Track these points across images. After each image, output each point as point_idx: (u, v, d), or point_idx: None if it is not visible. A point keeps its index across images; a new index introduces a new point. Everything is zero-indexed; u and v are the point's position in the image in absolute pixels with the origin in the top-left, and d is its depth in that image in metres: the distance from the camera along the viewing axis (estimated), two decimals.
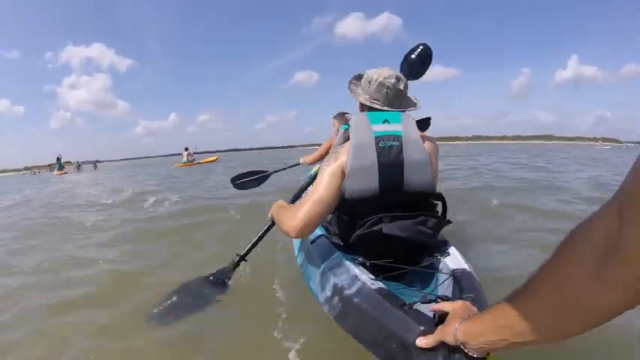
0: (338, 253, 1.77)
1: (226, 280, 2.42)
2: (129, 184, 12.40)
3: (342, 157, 1.67)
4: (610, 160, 17.70)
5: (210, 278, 2.43)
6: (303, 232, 1.70)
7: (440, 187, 1.84)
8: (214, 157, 27.30)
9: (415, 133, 1.71)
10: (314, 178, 1.90)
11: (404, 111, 1.85)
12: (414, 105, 1.94)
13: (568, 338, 0.66)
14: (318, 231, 2.10)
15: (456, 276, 1.55)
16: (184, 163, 22.56)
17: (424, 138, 1.77)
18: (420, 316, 1.17)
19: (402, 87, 1.85)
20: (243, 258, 2.44)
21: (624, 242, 0.51)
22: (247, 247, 2.44)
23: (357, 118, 1.76)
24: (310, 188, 1.79)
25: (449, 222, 1.80)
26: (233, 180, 3.81)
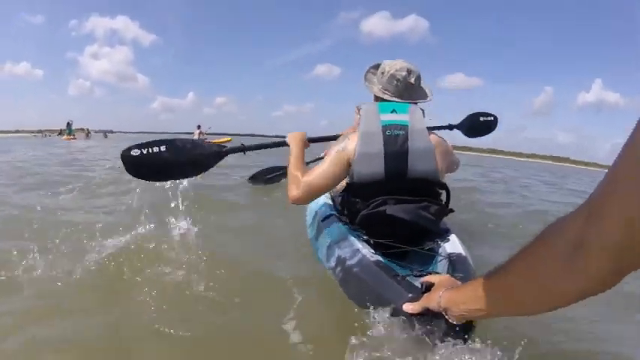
0: (344, 229, 1.99)
1: (220, 157, 2.31)
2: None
3: (351, 144, 1.87)
4: None
5: (214, 149, 2.32)
6: (301, 202, 1.94)
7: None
8: (228, 138, 23.95)
9: (421, 124, 1.89)
10: None
11: (415, 103, 2.03)
12: (425, 97, 2.10)
13: (533, 315, 0.83)
14: (329, 210, 2.35)
15: (452, 259, 1.73)
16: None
17: (432, 134, 1.98)
18: (410, 286, 1.37)
19: (412, 80, 2.01)
20: (244, 149, 2.45)
21: (588, 239, 0.62)
22: (254, 145, 2.56)
23: (367, 108, 1.97)
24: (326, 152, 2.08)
25: (451, 210, 1.97)
26: (252, 179, 4.03)
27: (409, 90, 2.02)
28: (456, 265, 1.70)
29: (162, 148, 2.16)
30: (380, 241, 1.86)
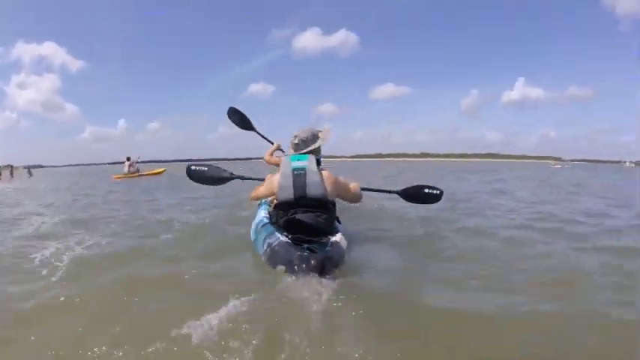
0: (273, 229, 3.33)
1: (227, 180, 4.34)
2: (45, 206, 9.46)
3: (275, 179, 3.37)
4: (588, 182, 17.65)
5: (224, 174, 4.34)
6: (253, 199, 3.96)
7: None
8: (162, 169, 23.20)
9: (314, 166, 3.29)
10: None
11: (310, 152, 3.52)
12: (312, 149, 3.58)
13: None
14: (265, 220, 3.63)
15: (333, 246, 3.10)
16: (125, 174, 20.30)
17: (324, 170, 3.37)
18: (303, 256, 2.78)
19: (296, 142, 3.57)
20: (232, 178, 4.29)
21: None
22: (240, 175, 4.35)
23: (284, 159, 3.53)
24: (264, 184, 3.63)
25: (337, 218, 3.67)
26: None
27: (300, 147, 3.57)
28: (333, 247, 3.10)
29: (205, 168, 4.37)
30: (295, 235, 3.10)
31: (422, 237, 4.85)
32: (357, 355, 1.85)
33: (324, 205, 3.31)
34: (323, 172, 3.34)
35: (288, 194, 3.28)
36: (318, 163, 3.45)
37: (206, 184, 4.52)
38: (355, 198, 3.77)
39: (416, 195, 4.41)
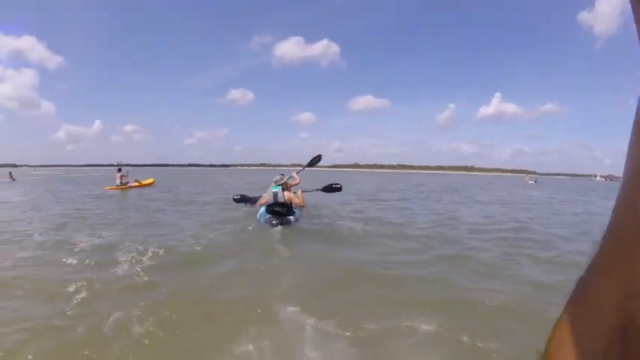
0: (264, 212, 8.66)
1: (242, 203, 11.01)
2: (63, 218, 10.52)
3: (266, 196, 8.81)
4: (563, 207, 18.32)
5: (237, 197, 11.20)
6: (258, 205, 9.18)
7: None
8: (151, 180, 24.38)
9: (280, 191, 8.62)
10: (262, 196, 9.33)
11: (282, 184, 8.87)
12: (280, 183, 8.83)
13: None
14: (262, 210, 8.79)
15: (289, 218, 8.48)
16: (117, 186, 20.41)
17: (286, 192, 8.71)
18: (274, 221, 8.26)
19: (276, 179, 8.98)
20: (252, 199, 10.76)
21: None
22: (247, 197, 11.06)
23: (270, 188, 8.86)
24: (262, 198, 9.07)
25: (293, 210, 8.73)
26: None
27: (277, 182, 8.91)
28: (289, 219, 8.42)
29: (238, 197, 11.20)
30: (274, 213, 8.46)
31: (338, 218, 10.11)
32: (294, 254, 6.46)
33: (285, 205, 8.54)
34: (285, 192, 8.65)
35: (270, 200, 8.60)
36: (285, 188, 8.77)
37: (239, 203, 11.13)
38: (300, 203, 8.86)
39: (329, 189, 10.38)
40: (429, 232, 8.44)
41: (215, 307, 3.78)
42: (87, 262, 5.41)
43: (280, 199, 8.44)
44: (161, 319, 3.44)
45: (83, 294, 4.09)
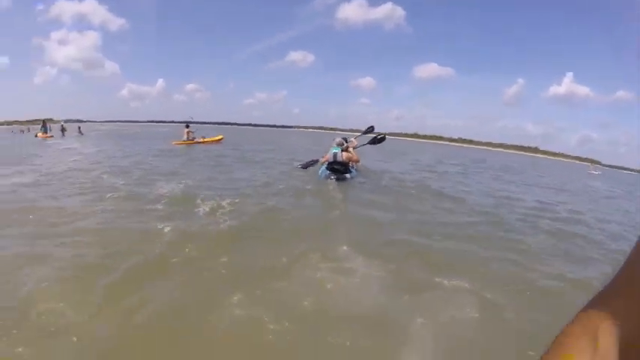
0: (325, 169, 9.96)
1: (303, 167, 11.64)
2: (135, 164, 11.78)
3: (327, 155, 10.26)
4: None
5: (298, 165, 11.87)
6: (322, 163, 10.66)
7: None
8: (219, 137, 24.34)
9: (339, 151, 9.94)
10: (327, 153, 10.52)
11: (342, 145, 10.19)
12: (341, 146, 10.11)
13: None
14: (324, 167, 10.05)
15: (345, 175, 9.78)
16: (184, 141, 21.55)
17: (345, 152, 10.08)
18: (331, 176, 9.62)
19: (338, 141, 10.24)
20: (316, 161, 11.45)
21: None
22: (310, 162, 11.63)
23: (330, 149, 10.16)
24: (323, 157, 10.60)
25: (349, 169, 10.04)
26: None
27: (337, 143, 10.18)
28: (345, 175, 9.75)
29: (305, 162, 11.82)
30: (333, 170, 9.69)
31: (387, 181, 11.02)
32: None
33: (343, 164, 9.83)
34: (343, 153, 9.97)
35: (331, 159, 9.89)
36: (344, 150, 10.05)
37: (306, 167, 11.45)
38: (356, 159, 10.40)
39: (375, 140, 12.29)
40: (482, 208, 8.23)
41: (285, 241, 4.95)
42: (172, 208, 6.11)
43: (339, 159, 9.86)
44: (242, 254, 4.35)
45: (172, 235, 4.77)
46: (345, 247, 4.59)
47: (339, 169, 9.76)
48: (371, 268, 4.06)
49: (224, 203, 6.45)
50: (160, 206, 6.18)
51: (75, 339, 2.58)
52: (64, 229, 4.91)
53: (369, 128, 13.50)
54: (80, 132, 36.27)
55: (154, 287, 3.40)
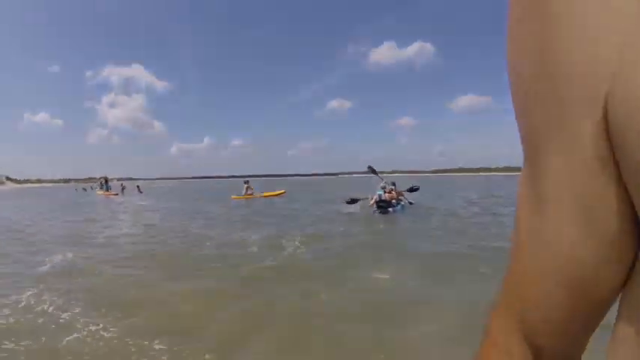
0: (374, 206, 13.93)
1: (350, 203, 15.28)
2: (206, 218, 13.70)
3: (374, 196, 14.25)
4: None
5: (348, 200, 15.38)
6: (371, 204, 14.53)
7: None
8: (282, 191, 25.24)
9: (384, 193, 14.27)
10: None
11: (384, 188, 14.49)
12: (387, 188, 14.61)
13: None
14: (374, 206, 14.02)
15: (389, 210, 13.68)
16: (244, 195, 22.62)
17: (386, 192, 14.39)
18: (379, 210, 13.58)
19: (382, 185, 14.82)
20: (351, 202, 15.27)
21: None
22: (355, 198, 15.40)
23: (376, 191, 14.56)
24: (372, 199, 14.51)
25: (394, 204, 14.13)
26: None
27: (381, 187, 14.61)
28: (390, 210, 13.66)
29: (349, 200, 15.42)
30: (379, 206, 13.66)
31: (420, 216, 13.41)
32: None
33: (386, 201, 13.75)
34: (386, 193, 14.22)
35: (377, 199, 13.86)
36: (386, 191, 14.34)
37: (350, 204, 15.13)
38: (398, 197, 14.68)
39: (411, 189, 15.91)
40: None
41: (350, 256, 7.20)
42: (262, 249, 7.66)
43: (383, 198, 13.98)
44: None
45: (271, 265, 6.48)
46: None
47: (383, 205, 13.69)
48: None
49: (306, 239, 8.38)
50: (255, 248, 7.74)
51: None
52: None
53: (370, 168, 16.39)
54: (139, 190, 38.18)
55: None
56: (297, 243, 8.02)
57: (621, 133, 0.24)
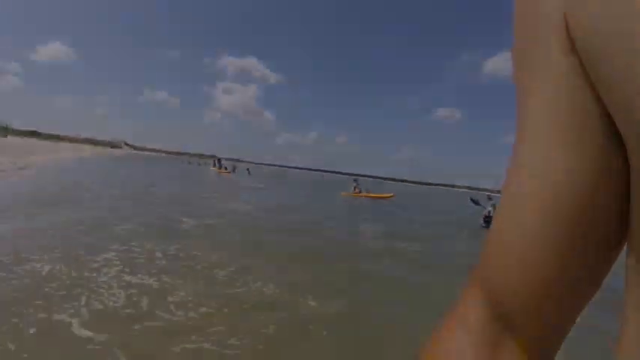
0: (483, 222, 14.73)
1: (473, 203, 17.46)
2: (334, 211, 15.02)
3: (488, 210, 14.69)
4: None
5: (474, 199, 17.70)
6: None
7: None
8: (391, 194, 25.39)
9: (493, 209, 13.57)
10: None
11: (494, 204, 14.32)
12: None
13: None
14: (485, 219, 14.75)
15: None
16: (352, 192, 23.03)
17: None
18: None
19: (493, 202, 14.63)
20: (475, 202, 17.26)
21: None
22: (478, 201, 17.17)
23: (487, 208, 14.89)
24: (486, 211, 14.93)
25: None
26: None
27: (493, 205, 14.42)
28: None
29: (475, 200, 17.62)
30: (487, 222, 13.70)
31: None
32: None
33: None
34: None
35: (487, 215, 14.23)
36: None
37: (473, 202, 17.21)
38: None
39: (476, 201, 17.04)
40: None
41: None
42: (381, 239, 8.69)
43: (491, 214, 13.66)
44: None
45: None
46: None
47: (490, 221, 11.92)
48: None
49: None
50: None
51: None
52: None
53: (471, 200, 17.87)
54: (249, 172, 39.99)
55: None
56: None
57: (585, 50, 0.24)
